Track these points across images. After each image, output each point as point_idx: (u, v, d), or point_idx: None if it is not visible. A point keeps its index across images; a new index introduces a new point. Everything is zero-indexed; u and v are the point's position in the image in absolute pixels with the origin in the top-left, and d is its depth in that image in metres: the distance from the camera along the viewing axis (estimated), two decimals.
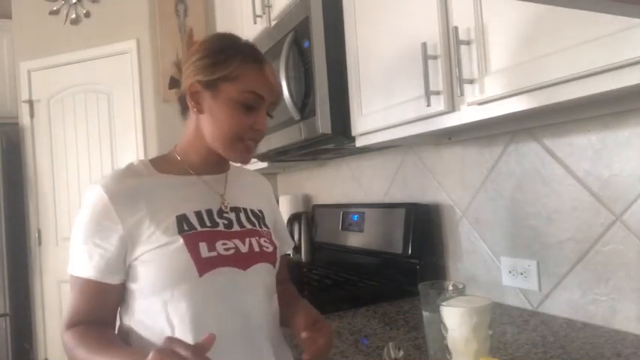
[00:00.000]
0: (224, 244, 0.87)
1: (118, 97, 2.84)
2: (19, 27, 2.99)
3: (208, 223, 0.88)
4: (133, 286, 0.85)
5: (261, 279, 0.91)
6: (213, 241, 0.86)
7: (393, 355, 0.93)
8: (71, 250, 0.86)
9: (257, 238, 0.93)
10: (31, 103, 2.97)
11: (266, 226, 0.99)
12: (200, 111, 0.90)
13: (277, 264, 0.97)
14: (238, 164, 0.99)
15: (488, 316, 0.79)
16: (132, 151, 2.78)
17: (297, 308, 0.93)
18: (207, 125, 0.90)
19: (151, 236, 0.83)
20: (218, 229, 0.88)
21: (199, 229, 0.86)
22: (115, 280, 0.84)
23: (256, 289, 0.90)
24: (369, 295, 1.49)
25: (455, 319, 0.78)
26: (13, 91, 3.04)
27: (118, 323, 0.89)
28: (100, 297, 0.84)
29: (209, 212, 0.90)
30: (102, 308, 0.85)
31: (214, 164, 0.96)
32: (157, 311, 0.83)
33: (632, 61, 0.69)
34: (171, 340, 0.69)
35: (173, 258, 0.82)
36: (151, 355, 0.66)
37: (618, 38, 0.70)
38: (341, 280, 1.69)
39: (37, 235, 2.95)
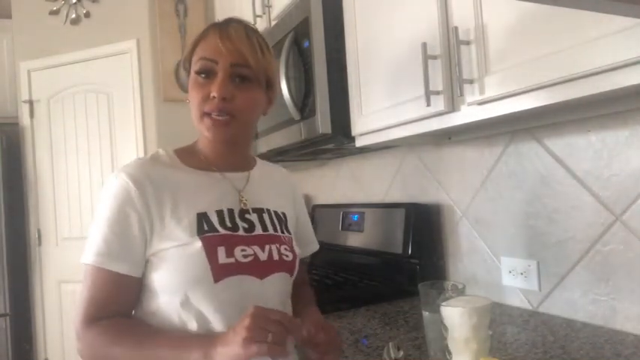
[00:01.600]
0: (243, 250, 0.84)
1: (118, 97, 2.84)
2: (19, 27, 2.99)
3: (229, 225, 0.85)
4: (148, 282, 0.83)
5: (276, 289, 0.89)
6: (232, 246, 0.84)
7: (393, 355, 0.93)
8: (89, 239, 0.82)
9: (278, 245, 0.90)
10: (31, 103, 2.97)
11: (288, 231, 0.96)
12: (188, 99, 0.90)
13: (296, 272, 0.94)
14: (257, 160, 0.99)
15: (488, 316, 0.79)
16: (132, 151, 2.78)
17: (303, 316, 0.90)
18: (192, 109, 0.89)
19: (170, 232, 0.81)
20: (238, 233, 0.86)
21: (220, 230, 0.84)
22: (130, 270, 0.80)
23: (271, 299, 0.87)
24: (369, 295, 1.49)
25: (455, 319, 0.78)
26: (13, 91, 3.04)
27: None
28: (118, 289, 0.81)
29: (230, 212, 0.87)
30: (119, 301, 0.81)
31: (232, 158, 0.93)
32: (170, 311, 0.81)
33: (632, 61, 0.69)
34: (258, 307, 0.70)
35: (190, 261, 0.80)
36: (245, 322, 0.68)
37: (618, 38, 0.70)
38: (341, 280, 1.69)
39: (37, 235, 2.95)
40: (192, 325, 0.81)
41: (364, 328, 1.21)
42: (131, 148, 2.78)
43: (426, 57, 1.05)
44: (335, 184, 2.18)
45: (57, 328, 2.89)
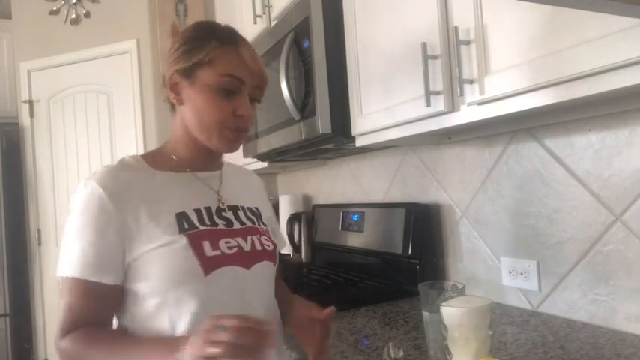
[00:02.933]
0: (227, 242, 0.85)
1: (118, 97, 2.84)
2: (19, 27, 2.99)
3: (208, 222, 0.86)
4: (133, 288, 0.81)
5: (264, 277, 0.91)
6: (216, 239, 0.84)
7: (393, 355, 0.93)
8: (62, 251, 0.81)
9: (258, 236, 0.92)
10: (31, 103, 2.97)
11: (264, 224, 0.98)
12: (180, 102, 0.88)
13: (277, 261, 0.97)
14: (227, 159, 0.97)
15: (488, 316, 0.79)
16: (132, 151, 2.77)
17: (291, 304, 0.94)
18: (189, 116, 0.87)
19: (150, 234, 0.80)
20: (218, 228, 0.87)
21: (200, 227, 0.84)
22: (110, 279, 0.79)
23: (260, 287, 0.89)
24: (369, 295, 1.49)
25: (455, 319, 0.78)
26: (13, 91, 3.04)
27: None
28: (96, 299, 0.80)
29: (208, 210, 0.88)
30: (99, 311, 0.81)
31: (206, 160, 0.93)
32: (158, 314, 0.81)
33: (632, 61, 0.69)
34: (211, 317, 0.67)
35: (177, 257, 0.80)
36: (195, 338, 0.65)
37: (618, 38, 0.70)
38: (341, 280, 1.69)
39: (37, 235, 2.96)
40: (184, 324, 0.80)
41: (364, 328, 1.21)
42: (131, 148, 2.78)
43: (426, 57, 1.05)
44: (335, 184, 2.18)
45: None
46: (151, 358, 0.73)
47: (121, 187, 0.82)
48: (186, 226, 0.83)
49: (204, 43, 0.85)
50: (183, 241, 0.81)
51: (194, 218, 0.85)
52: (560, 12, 0.79)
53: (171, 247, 0.80)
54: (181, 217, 0.84)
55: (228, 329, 0.63)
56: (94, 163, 2.87)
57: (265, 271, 0.91)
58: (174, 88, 0.88)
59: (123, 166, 0.87)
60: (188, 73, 0.85)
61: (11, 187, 2.94)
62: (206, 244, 0.82)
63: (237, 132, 0.86)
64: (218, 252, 0.83)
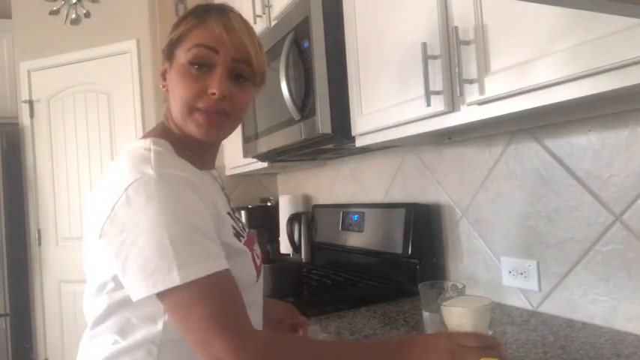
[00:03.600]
0: (256, 249, 0.84)
1: (118, 97, 2.84)
2: (19, 27, 2.99)
3: (238, 228, 0.81)
4: None
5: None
6: (252, 246, 0.81)
7: None
8: (154, 259, 0.61)
9: (256, 243, 0.89)
10: (31, 103, 2.97)
11: None
12: (167, 89, 0.80)
13: None
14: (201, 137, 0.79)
15: (488, 316, 0.79)
16: None
17: (267, 307, 0.93)
18: (170, 102, 0.79)
19: (224, 234, 0.73)
20: (245, 236, 0.83)
21: (244, 236, 0.81)
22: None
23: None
24: (369, 295, 1.49)
25: (455, 320, 0.78)
26: (13, 91, 3.04)
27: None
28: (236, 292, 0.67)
29: (233, 214, 0.83)
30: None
31: (212, 157, 0.87)
32: None
33: (632, 61, 0.69)
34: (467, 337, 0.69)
35: (244, 269, 0.75)
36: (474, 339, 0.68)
37: (618, 38, 0.70)
38: (341, 280, 1.69)
39: (37, 235, 2.95)
40: None
41: (364, 328, 1.21)
42: None
43: (426, 57, 1.05)
44: (335, 184, 2.18)
45: (57, 328, 2.89)
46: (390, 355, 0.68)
47: (189, 176, 0.70)
48: (238, 233, 0.78)
49: (181, 21, 0.79)
50: (246, 251, 0.77)
51: (234, 224, 0.79)
52: (560, 12, 0.79)
53: (240, 257, 0.75)
54: (230, 222, 0.79)
55: (472, 347, 0.66)
56: (94, 163, 2.87)
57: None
58: (163, 76, 0.82)
59: (168, 151, 0.75)
60: (168, 55, 0.79)
61: (11, 187, 2.94)
62: (254, 254, 0.81)
63: (206, 114, 0.75)
64: (259, 261, 0.83)
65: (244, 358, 0.59)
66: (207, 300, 0.62)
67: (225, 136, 0.84)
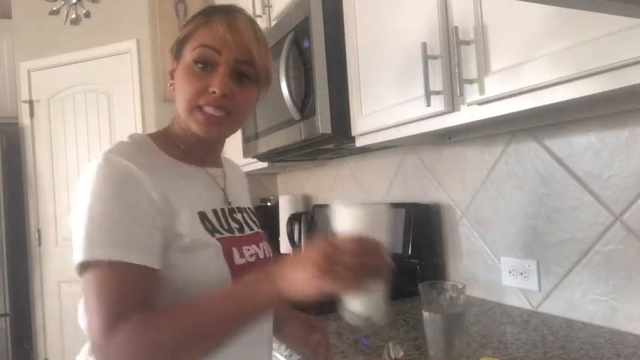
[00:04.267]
0: (248, 249, 0.81)
1: (118, 97, 2.84)
2: (19, 27, 2.99)
3: (226, 226, 0.80)
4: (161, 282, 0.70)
5: None
6: (240, 245, 0.79)
7: (393, 355, 0.93)
8: (79, 235, 0.65)
9: (264, 242, 0.88)
10: (31, 103, 2.97)
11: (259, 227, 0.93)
12: (174, 87, 0.82)
13: None
14: (204, 135, 0.80)
15: (382, 220, 0.68)
16: None
17: (289, 318, 0.93)
18: (176, 100, 0.80)
19: (179, 228, 0.71)
20: (234, 234, 0.81)
21: (224, 233, 0.78)
22: (152, 263, 0.66)
23: None
24: None
25: (343, 223, 0.66)
26: (13, 91, 3.04)
27: None
28: (139, 282, 0.65)
29: (223, 212, 0.82)
30: (145, 297, 0.65)
31: (213, 155, 0.88)
32: None
33: (632, 61, 0.69)
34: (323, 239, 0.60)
35: (208, 262, 0.73)
36: (319, 247, 0.58)
37: (618, 38, 0.70)
38: None
39: (37, 235, 2.95)
40: None
41: (364, 328, 1.21)
42: None
43: (426, 57, 1.05)
44: (335, 184, 2.18)
45: (57, 328, 2.89)
46: (248, 297, 0.63)
47: (148, 162, 0.72)
48: (210, 228, 0.77)
49: (190, 21, 0.81)
50: (215, 244, 0.75)
51: (214, 220, 0.79)
52: (560, 12, 0.79)
53: (203, 249, 0.73)
54: (203, 218, 0.77)
55: (346, 252, 0.57)
56: None
57: None
58: (171, 74, 0.83)
59: (139, 146, 0.77)
60: (176, 54, 0.81)
61: (11, 187, 2.94)
62: (235, 251, 0.78)
63: (207, 112, 0.76)
64: (244, 260, 0.79)
65: (111, 354, 0.60)
66: (103, 284, 0.63)
67: (227, 135, 0.85)
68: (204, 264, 0.73)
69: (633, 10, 0.56)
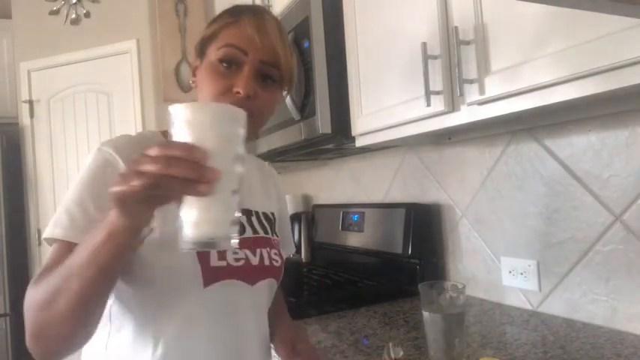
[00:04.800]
0: (235, 253, 0.78)
1: (118, 97, 2.85)
2: (19, 27, 2.99)
3: None
4: (121, 280, 0.71)
5: (265, 296, 0.85)
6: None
7: (393, 355, 0.93)
8: (57, 213, 0.72)
9: (268, 249, 0.85)
10: (31, 103, 2.97)
11: (276, 233, 0.91)
12: (196, 85, 0.81)
13: (280, 279, 0.89)
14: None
15: (237, 127, 0.54)
16: None
17: (278, 325, 0.92)
18: (198, 97, 0.79)
19: (157, 221, 0.67)
20: None
21: None
22: None
23: (260, 306, 0.84)
24: (369, 295, 1.49)
25: (192, 123, 0.52)
26: (13, 91, 3.04)
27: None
28: None
29: None
30: None
31: None
32: (143, 317, 0.73)
33: (632, 61, 0.69)
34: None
35: (179, 260, 0.72)
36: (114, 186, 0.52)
37: (618, 38, 0.70)
38: (341, 280, 1.69)
39: (37, 235, 2.95)
40: (169, 337, 0.73)
41: (364, 328, 1.21)
42: None
43: (426, 57, 1.05)
44: (335, 184, 2.18)
45: None
46: (90, 241, 0.59)
47: (131, 154, 0.72)
48: None
49: (216, 19, 0.80)
50: None
51: None
52: (560, 12, 0.79)
53: (176, 246, 0.73)
54: None
55: (151, 159, 0.49)
56: None
57: (268, 290, 0.85)
58: (194, 72, 0.82)
59: (142, 139, 0.78)
60: (200, 52, 0.80)
61: (11, 187, 2.94)
62: (213, 252, 0.76)
63: None
64: (224, 263, 0.76)
65: (24, 306, 0.66)
66: (52, 257, 0.72)
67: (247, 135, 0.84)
68: (175, 261, 0.72)
69: (633, 10, 0.56)
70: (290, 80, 0.83)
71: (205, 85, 0.77)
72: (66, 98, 2.93)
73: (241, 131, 0.54)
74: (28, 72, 2.98)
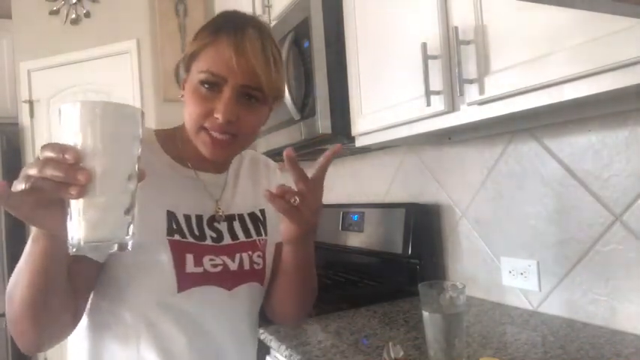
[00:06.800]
0: (211, 259, 0.78)
1: (118, 97, 2.84)
2: (19, 27, 2.99)
3: (196, 233, 0.78)
4: (106, 270, 0.73)
5: (245, 301, 0.84)
6: (200, 255, 0.77)
7: (393, 355, 0.93)
8: None
9: (250, 252, 0.83)
10: (31, 103, 2.97)
11: (265, 232, 0.88)
12: (184, 100, 0.79)
13: (267, 281, 0.88)
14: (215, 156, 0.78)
15: (131, 125, 0.52)
16: None
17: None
18: (184, 113, 0.77)
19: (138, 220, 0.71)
20: (205, 242, 0.78)
21: (189, 238, 0.76)
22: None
23: (238, 311, 0.83)
24: (369, 295, 1.49)
25: (78, 122, 0.49)
26: (13, 91, 3.04)
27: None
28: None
29: (199, 219, 0.80)
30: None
31: (214, 164, 0.84)
32: (121, 320, 0.74)
33: (632, 61, 0.69)
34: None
35: (154, 265, 0.72)
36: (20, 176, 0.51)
37: (618, 38, 0.70)
38: (341, 280, 1.69)
39: None
40: (147, 341, 0.73)
41: (364, 328, 1.21)
42: None
43: (426, 57, 1.05)
44: (335, 184, 2.18)
45: None
46: (26, 247, 0.61)
47: None
48: (175, 230, 0.76)
49: (197, 36, 0.77)
50: (166, 249, 0.73)
51: (183, 224, 0.77)
52: (560, 12, 0.79)
53: (152, 251, 0.73)
54: (171, 218, 0.76)
55: (34, 161, 0.49)
56: None
57: (249, 294, 0.84)
58: (183, 85, 0.80)
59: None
60: (185, 66, 0.78)
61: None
62: (189, 259, 0.75)
63: (212, 135, 0.74)
64: (200, 269, 0.76)
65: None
66: None
67: (234, 155, 0.86)
68: (150, 263, 0.72)
69: (633, 10, 0.57)
70: (277, 96, 0.81)
71: (188, 105, 0.76)
72: (66, 98, 2.93)
73: (134, 130, 0.52)
74: (28, 72, 2.98)
